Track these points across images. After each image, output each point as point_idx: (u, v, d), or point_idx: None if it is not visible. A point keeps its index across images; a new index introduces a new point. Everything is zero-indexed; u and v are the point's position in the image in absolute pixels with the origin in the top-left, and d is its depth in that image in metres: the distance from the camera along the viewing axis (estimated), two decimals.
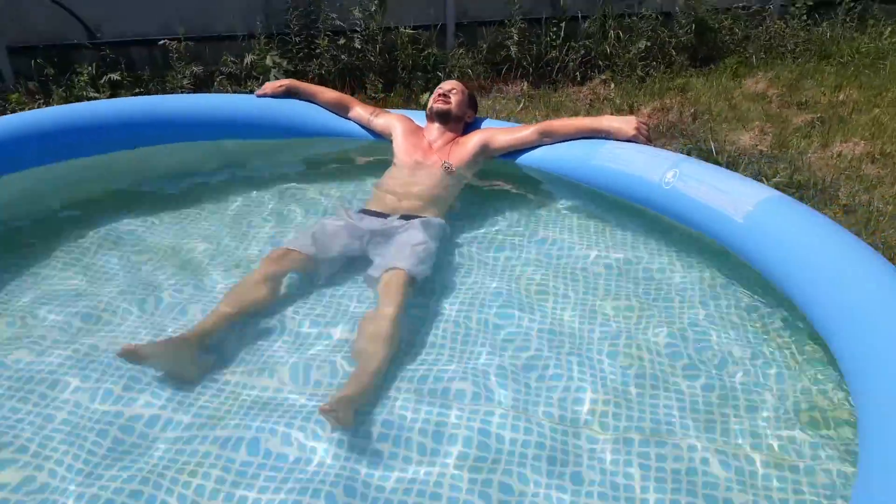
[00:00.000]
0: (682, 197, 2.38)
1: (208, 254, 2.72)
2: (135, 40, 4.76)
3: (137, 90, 4.67)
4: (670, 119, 4.67)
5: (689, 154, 3.84)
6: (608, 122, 2.77)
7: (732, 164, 3.69)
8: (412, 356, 2.18)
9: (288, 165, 3.38)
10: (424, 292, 2.47)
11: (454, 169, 2.89)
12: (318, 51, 4.90)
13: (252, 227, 2.92)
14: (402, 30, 5.04)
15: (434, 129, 3.02)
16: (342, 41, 4.94)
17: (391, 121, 3.11)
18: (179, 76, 4.64)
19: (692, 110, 4.69)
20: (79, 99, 4.50)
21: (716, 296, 2.36)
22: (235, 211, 3.04)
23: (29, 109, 4.29)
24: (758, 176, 3.58)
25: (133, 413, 1.93)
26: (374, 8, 4.88)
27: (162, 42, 4.62)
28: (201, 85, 4.75)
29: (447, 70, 5.20)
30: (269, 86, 3.24)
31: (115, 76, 4.54)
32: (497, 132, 2.96)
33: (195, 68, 4.64)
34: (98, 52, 4.65)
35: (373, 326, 2.21)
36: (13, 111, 4.32)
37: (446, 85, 2.99)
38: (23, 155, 2.72)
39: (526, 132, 2.92)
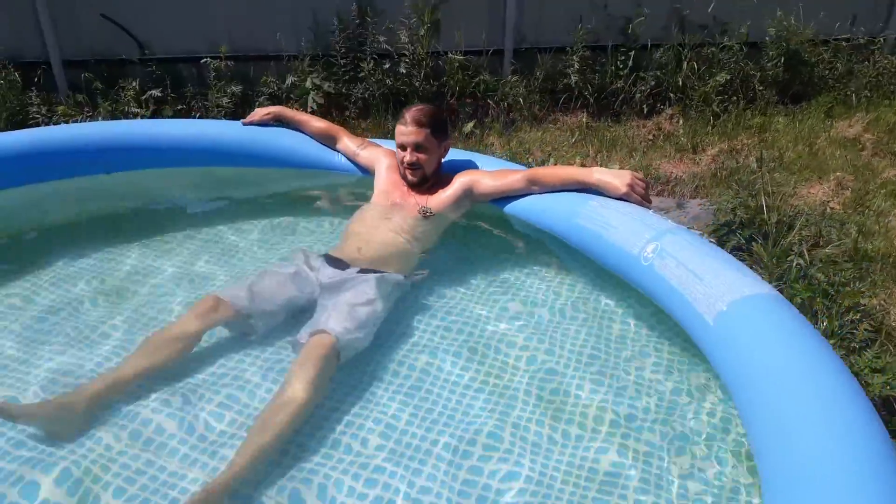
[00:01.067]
0: (658, 278, 1.97)
1: (151, 290, 2.56)
2: (182, 57, 4.76)
3: (180, 107, 4.67)
4: (734, 163, 4.13)
5: (734, 210, 3.34)
6: (598, 175, 2.38)
7: (785, 226, 3.15)
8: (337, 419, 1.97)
9: (268, 197, 3.20)
10: (375, 346, 2.26)
11: (432, 213, 2.59)
12: (361, 74, 4.72)
13: (209, 262, 2.74)
14: (450, 55, 4.77)
15: None
16: (387, 65, 4.73)
17: (377, 154, 2.84)
18: (220, 95, 4.59)
19: (759, 155, 4.13)
20: (123, 113, 4.55)
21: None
22: (197, 242, 2.88)
23: (73, 121, 4.38)
24: (813, 242, 3.04)
25: None
26: (423, 31, 4.64)
27: (204, 60, 4.59)
28: (241, 105, 4.68)
29: (496, 99, 4.89)
30: (257, 113, 3.08)
31: (156, 93, 4.55)
32: (483, 176, 2.63)
33: (234, 88, 4.57)
34: (145, 67, 4.68)
35: (274, 403, 1.96)
36: (56, 122, 4.42)
37: (408, 138, 2.58)
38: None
39: (513, 178, 2.57)
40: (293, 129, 3.07)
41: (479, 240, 2.91)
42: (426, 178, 2.64)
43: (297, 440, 1.92)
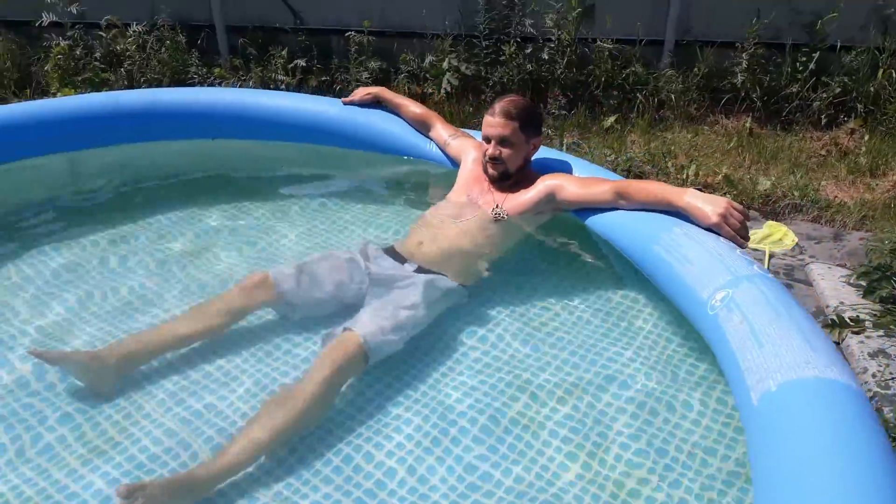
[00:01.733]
0: (720, 333, 1.63)
1: (214, 260, 2.58)
2: (332, 29, 4.82)
3: (324, 79, 4.76)
4: None
5: (894, 252, 2.77)
6: (690, 198, 2.03)
7: None
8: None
9: (359, 180, 3.12)
10: (411, 354, 2.14)
11: (506, 217, 2.37)
12: (502, 58, 4.52)
13: (284, 238, 2.74)
14: (600, 42, 4.42)
15: None
16: (529, 49, 4.49)
17: (466, 145, 2.66)
18: (360, 70, 4.61)
19: None
20: (272, 80, 4.71)
21: None
22: (277, 217, 2.88)
23: (227, 84, 4.60)
24: None
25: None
26: (571, 17, 4.34)
27: (348, 34, 4.62)
28: (381, 81, 4.67)
29: (646, 93, 4.47)
30: (358, 92, 3.00)
31: (302, 62, 4.65)
32: (570, 182, 2.36)
33: (374, 64, 4.56)
34: (296, 37, 4.81)
35: (278, 396, 1.89)
36: (211, 84, 4.67)
37: (494, 130, 2.36)
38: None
39: (601, 189, 2.27)
40: (391, 111, 2.95)
41: (552, 254, 2.65)
42: (508, 175, 2.42)
43: (309, 441, 1.85)
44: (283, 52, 4.68)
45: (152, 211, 2.86)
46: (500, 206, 2.40)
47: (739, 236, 1.94)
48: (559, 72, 4.48)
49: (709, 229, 1.97)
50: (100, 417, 1.91)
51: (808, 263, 3.01)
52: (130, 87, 4.84)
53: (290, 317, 2.26)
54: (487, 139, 2.39)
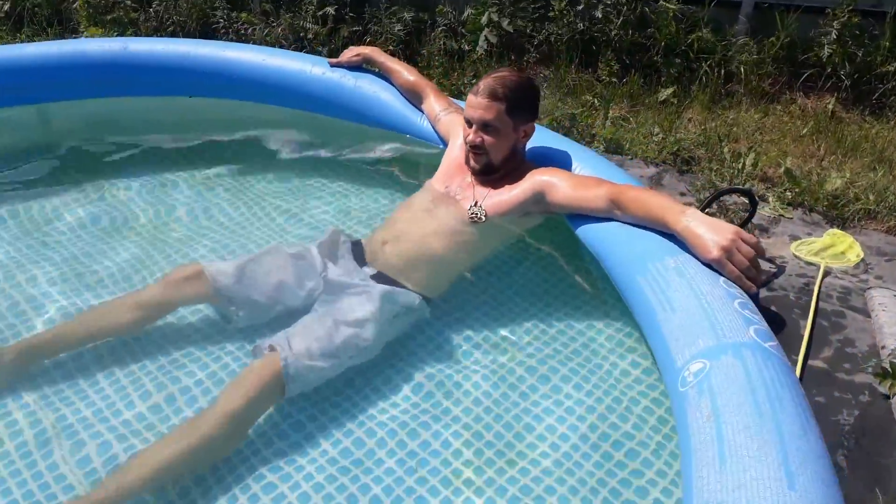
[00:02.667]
0: (684, 419, 1.21)
1: (165, 235, 2.32)
2: None
3: (356, 28, 4.38)
4: None
5: None
6: (689, 221, 1.58)
7: None
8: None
9: (337, 154, 2.75)
10: (348, 381, 1.83)
11: (484, 217, 1.98)
12: (551, 14, 4.01)
13: (238, 218, 2.43)
14: (662, 2, 3.84)
15: None
16: (582, 6, 3.96)
17: (457, 123, 2.25)
18: (392, 21, 4.20)
19: None
20: (301, 28, 4.37)
21: None
22: (236, 192, 2.57)
23: (254, 31, 4.30)
24: None
25: None
26: None
27: None
28: (415, 34, 4.25)
29: (713, 63, 3.87)
30: (346, 53, 2.62)
31: (331, 10, 4.29)
32: (562, 181, 1.93)
33: (407, 14, 4.14)
34: None
35: (176, 428, 1.62)
36: (235, 30, 4.38)
37: (475, 112, 1.96)
38: None
39: (595, 193, 1.84)
40: (381, 76, 2.56)
41: (534, 265, 2.25)
42: (492, 168, 2.02)
43: (220, 472, 1.59)
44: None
45: (115, 172, 2.61)
46: (478, 203, 2.01)
47: (747, 278, 1.49)
48: (613, 33, 3.93)
49: (707, 264, 1.52)
50: None
51: (870, 287, 2.48)
52: (158, 28, 4.61)
53: (233, 321, 1.96)
54: (469, 122, 1.99)
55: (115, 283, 2.14)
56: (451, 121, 2.28)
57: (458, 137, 2.18)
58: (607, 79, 3.93)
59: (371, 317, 1.81)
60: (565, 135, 3.50)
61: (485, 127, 1.96)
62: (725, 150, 3.33)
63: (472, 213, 2.00)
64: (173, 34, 4.52)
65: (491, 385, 1.82)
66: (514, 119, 1.97)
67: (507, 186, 2.01)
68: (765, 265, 2.49)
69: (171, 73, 2.58)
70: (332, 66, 2.59)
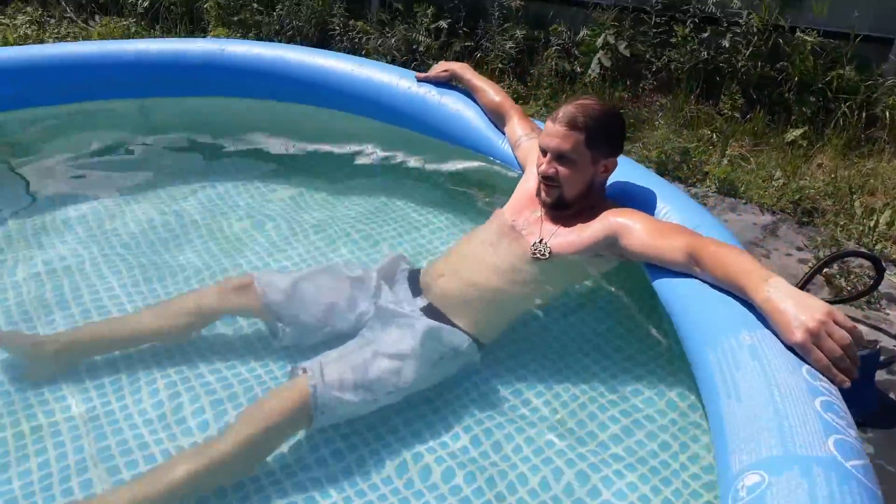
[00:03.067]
0: None
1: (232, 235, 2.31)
2: None
3: (468, 44, 4.30)
4: None
5: None
6: (771, 292, 1.33)
7: None
8: None
9: (420, 171, 2.64)
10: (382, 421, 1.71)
11: (548, 255, 1.80)
12: (673, 40, 3.75)
13: (306, 228, 2.36)
14: (800, 33, 3.49)
15: None
16: (707, 33, 3.67)
17: (535, 151, 2.07)
18: (504, 39, 4.08)
19: None
20: (414, 41, 4.34)
21: None
22: (314, 202, 2.52)
23: (368, 40, 4.32)
24: None
25: None
26: None
27: None
28: (527, 53, 4.11)
29: (855, 104, 3.47)
30: (436, 68, 2.51)
31: (444, 24, 4.23)
32: (640, 225, 1.71)
33: (520, 32, 4.00)
34: None
35: (193, 447, 1.58)
36: (350, 38, 4.40)
37: (551, 141, 1.77)
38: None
39: (672, 244, 1.62)
40: (467, 93, 2.43)
41: (603, 313, 2.03)
42: (565, 202, 1.83)
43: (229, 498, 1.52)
44: (429, 11, 4.25)
45: (201, 172, 2.65)
46: (544, 240, 1.83)
47: (837, 369, 1.22)
48: (741, 64, 3.61)
49: (789, 347, 1.27)
50: (18, 406, 1.71)
51: None
52: (279, 31, 4.72)
53: (279, 337, 1.89)
54: (544, 151, 1.81)
55: (177, 283, 2.13)
56: (532, 147, 2.10)
57: (534, 166, 2.01)
58: (729, 113, 3.62)
59: (411, 353, 1.68)
60: (674, 170, 3.25)
61: (560, 157, 1.78)
62: (857, 203, 2.96)
63: (534, 250, 1.82)
64: (292, 38, 4.61)
65: (533, 451, 1.64)
66: (594, 151, 1.78)
67: (579, 225, 1.82)
68: (889, 342, 2.15)
69: (263, 77, 2.57)
70: (420, 80, 2.49)
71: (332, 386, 1.59)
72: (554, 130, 1.77)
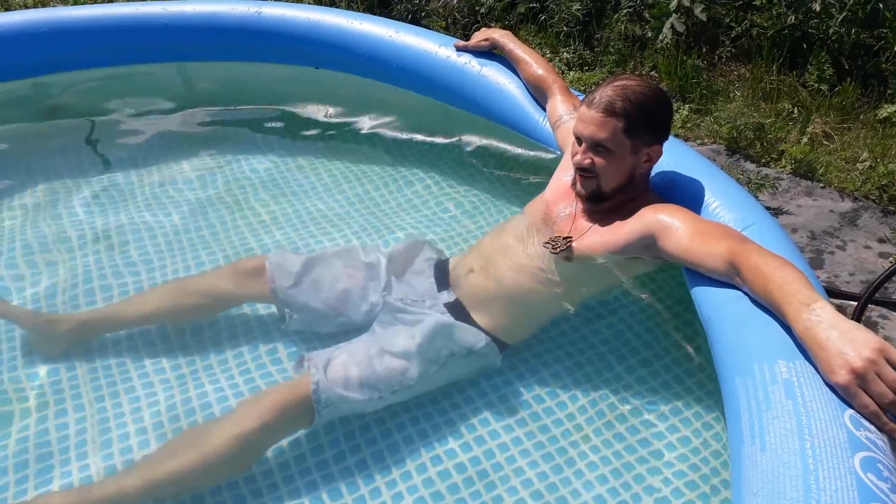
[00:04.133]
0: None
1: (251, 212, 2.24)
2: None
3: (532, 5, 4.05)
4: None
5: None
6: (813, 320, 1.12)
7: None
8: None
9: (460, 150, 2.47)
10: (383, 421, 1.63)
11: (574, 254, 1.64)
12: (757, 2, 3.41)
13: (336, 207, 2.28)
14: None
15: None
16: None
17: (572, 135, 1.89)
18: (571, 1, 3.82)
19: None
20: (475, 2, 4.12)
21: None
22: (340, 174, 2.41)
23: (426, 2, 4.14)
24: None
25: None
26: None
27: None
28: (595, 16, 3.84)
29: None
30: (476, 36, 2.32)
31: None
32: (683, 224, 1.51)
33: None
34: None
35: (195, 433, 1.54)
36: None
37: (587, 129, 1.57)
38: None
39: (712, 250, 1.42)
40: (510, 64, 2.25)
41: (636, 318, 1.86)
42: (602, 195, 1.65)
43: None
44: None
45: (234, 141, 2.58)
46: (575, 237, 1.66)
47: (885, 416, 1.03)
48: (832, 30, 3.24)
49: (830, 386, 1.07)
50: (25, 384, 1.71)
51: None
52: None
53: (287, 322, 1.81)
54: (579, 140, 1.63)
55: (199, 259, 2.07)
56: (572, 129, 1.91)
57: (570, 154, 1.83)
58: (815, 85, 3.27)
59: (416, 350, 1.57)
60: (746, 147, 2.97)
61: (596, 147, 1.59)
62: None
63: (555, 244, 1.66)
64: (352, 0, 4.46)
65: (551, 468, 1.53)
66: (634, 140, 1.58)
67: (617, 222, 1.64)
68: None
69: (299, 41, 2.45)
70: (459, 49, 2.31)
71: (336, 383, 1.52)
72: (589, 117, 1.58)
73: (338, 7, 4.08)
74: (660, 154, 1.65)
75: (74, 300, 1.92)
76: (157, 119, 2.67)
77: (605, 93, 1.56)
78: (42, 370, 1.72)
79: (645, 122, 1.57)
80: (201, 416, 1.63)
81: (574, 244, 1.64)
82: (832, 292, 2.10)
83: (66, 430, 1.60)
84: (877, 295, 2.00)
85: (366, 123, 2.61)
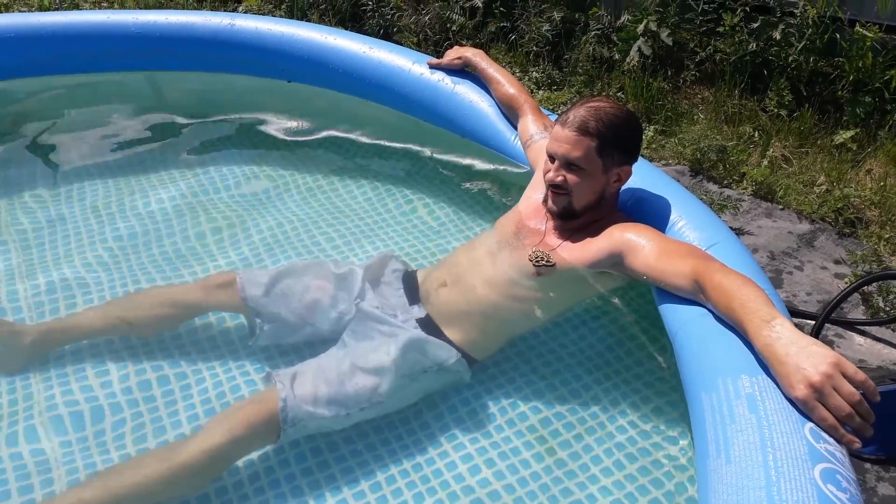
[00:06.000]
0: None
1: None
2: None
3: (503, 24, 4.11)
4: None
5: None
6: (772, 336, 1.16)
7: None
8: None
9: (428, 163, 2.50)
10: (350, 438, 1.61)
11: (550, 266, 1.67)
12: (720, 29, 3.51)
13: (308, 224, 2.27)
14: (859, 28, 3.22)
15: None
16: (758, 23, 3.42)
17: (544, 153, 1.92)
18: (540, 21, 3.89)
19: None
20: (448, 19, 4.16)
21: None
22: (308, 191, 2.42)
23: (401, 16, 4.17)
24: None
25: None
26: None
27: None
28: (563, 37, 3.91)
29: None
30: (449, 54, 2.35)
31: (478, 2, 4.05)
32: (648, 243, 1.55)
33: (556, 14, 3.80)
34: None
35: (164, 450, 1.50)
36: (382, 14, 4.26)
37: (560, 147, 1.62)
38: None
39: (677, 267, 1.46)
40: (482, 83, 2.28)
41: (605, 331, 1.89)
42: (573, 212, 1.69)
43: None
44: None
45: (203, 152, 2.55)
46: (546, 251, 1.69)
47: (842, 428, 1.07)
48: (791, 58, 3.35)
49: (790, 400, 1.11)
50: None
51: None
52: (313, 5, 4.59)
53: (256, 336, 1.80)
54: (552, 157, 1.67)
55: (163, 272, 2.05)
56: (543, 148, 1.95)
57: (542, 171, 1.86)
58: (775, 110, 3.37)
59: (391, 366, 1.57)
60: (709, 169, 3.04)
61: (568, 165, 1.63)
62: None
63: (535, 262, 1.68)
64: (324, 13, 4.48)
65: (517, 480, 1.51)
66: (606, 159, 1.62)
67: (587, 239, 1.67)
68: None
69: (271, 55, 2.45)
70: (432, 67, 2.34)
71: (304, 400, 1.52)
72: (563, 135, 1.62)
73: (310, 21, 4.09)
74: (629, 175, 1.69)
75: (40, 308, 1.88)
76: (123, 128, 2.64)
77: (578, 113, 1.60)
78: (3, 382, 1.68)
79: (617, 142, 1.61)
80: (171, 427, 1.60)
81: (553, 257, 1.67)
82: (791, 311, 2.16)
83: (34, 444, 1.56)
84: (833, 314, 2.07)
85: (337, 135, 2.61)
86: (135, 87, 2.66)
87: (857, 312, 2.31)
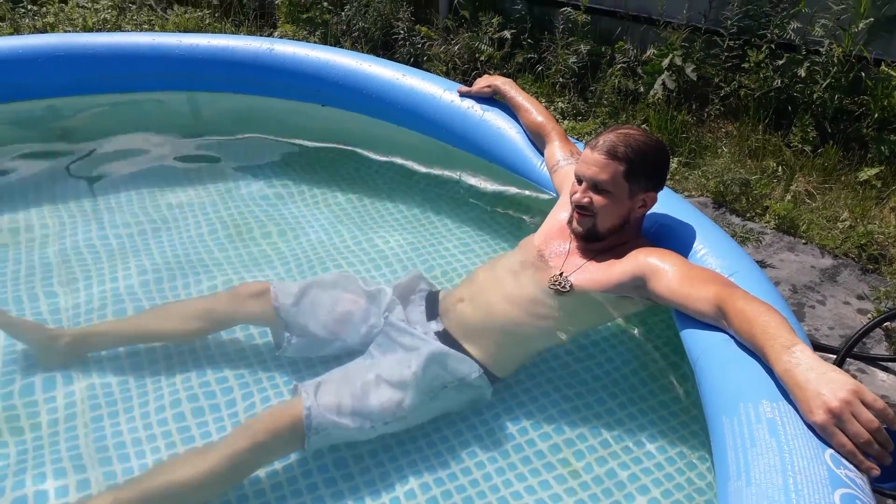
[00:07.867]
0: None
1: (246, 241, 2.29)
2: (561, 1, 4.19)
3: (530, 56, 4.20)
4: None
5: None
6: (792, 362, 1.19)
7: None
8: None
9: (457, 187, 2.56)
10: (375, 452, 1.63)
11: (568, 288, 1.71)
12: (745, 65, 3.56)
13: (342, 241, 2.34)
14: (885, 67, 3.26)
15: None
16: (783, 60, 3.47)
17: (570, 178, 1.97)
18: (567, 54, 3.97)
19: None
20: (476, 49, 4.26)
21: None
22: (341, 212, 2.47)
23: (430, 46, 4.27)
24: None
25: None
26: (856, 27, 3.23)
27: (563, 10, 3.98)
28: (590, 69, 3.98)
29: None
30: (479, 82, 2.43)
31: (508, 34, 4.14)
32: (671, 268, 1.58)
33: (583, 47, 3.88)
34: (513, 5, 4.29)
35: (191, 455, 1.55)
36: (412, 41, 4.37)
37: (588, 170, 1.68)
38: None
39: (700, 294, 1.49)
40: (511, 111, 2.34)
41: (628, 355, 1.92)
42: (597, 235, 1.74)
43: None
44: (494, 20, 4.17)
45: (238, 172, 2.63)
46: (565, 274, 1.73)
47: (861, 455, 1.09)
48: (816, 95, 3.39)
49: (809, 425, 1.14)
50: (17, 401, 1.72)
51: None
52: (346, 32, 4.72)
53: (283, 348, 1.85)
54: (579, 179, 1.72)
55: (199, 285, 2.11)
56: (569, 173, 2.00)
57: (568, 194, 1.91)
58: (799, 146, 3.41)
59: (413, 379, 1.61)
60: (732, 202, 3.08)
61: (595, 187, 1.68)
62: None
63: (553, 282, 1.73)
64: (357, 40, 4.60)
65: (535, 501, 1.54)
66: (632, 184, 1.67)
67: (609, 261, 1.71)
68: None
69: (308, 79, 2.54)
70: (462, 94, 2.41)
71: (328, 409, 1.55)
72: (592, 159, 1.67)
73: (342, 47, 4.20)
74: (654, 201, 1.73)
75: (77, 318, 1.95)
76: (162, 144, 2.74)
77: (608, 138, 1.66)
78: (38, 385, 1.74)
79: (644, 168, 1.66)
80: (200, 437, 1.65)
81: (573, 281, 1.71)
82: (813, 345, 2.18)
83: (59, 446, 1.61)
84: (856, 349, 2.08)
85: (369, 157, 2.69)
86: (175, 106, 2.75)
87: (879, 348, 2.32)
